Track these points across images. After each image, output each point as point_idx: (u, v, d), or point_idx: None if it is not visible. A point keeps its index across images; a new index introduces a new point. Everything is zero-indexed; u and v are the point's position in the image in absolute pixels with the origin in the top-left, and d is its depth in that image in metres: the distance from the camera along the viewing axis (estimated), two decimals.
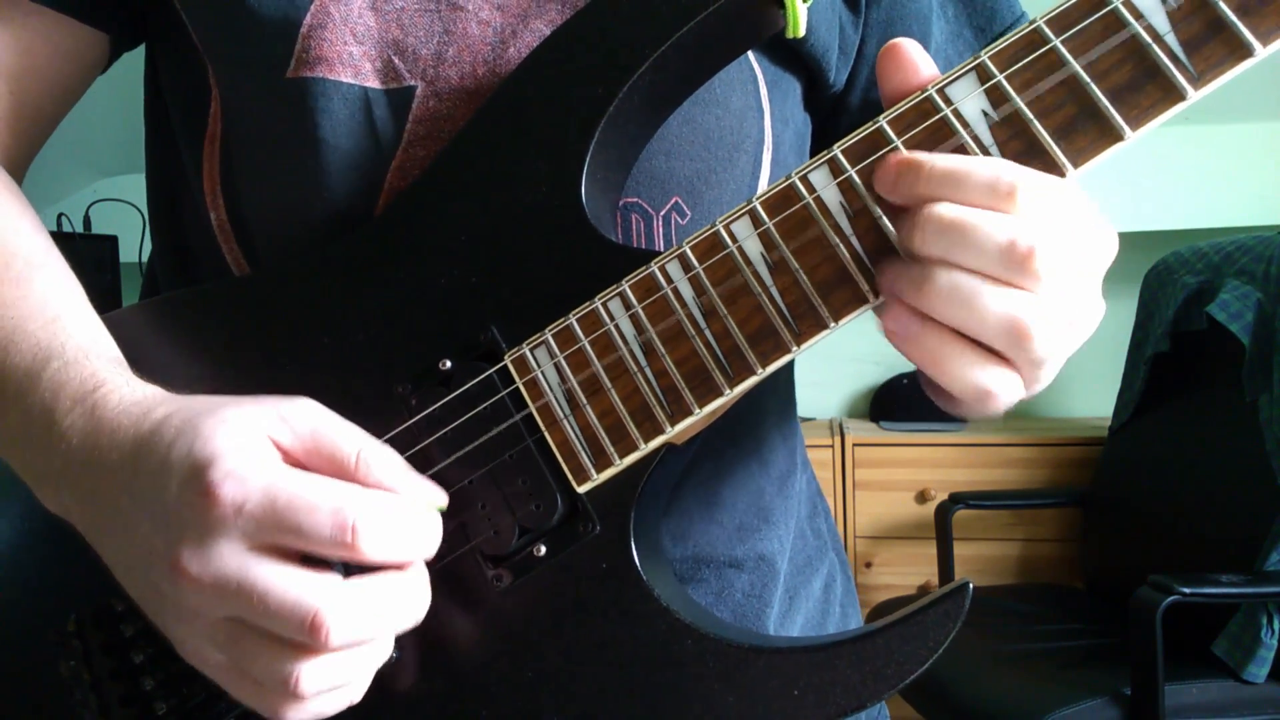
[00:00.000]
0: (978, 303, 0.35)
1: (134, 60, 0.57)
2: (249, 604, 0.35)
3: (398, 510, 0.37)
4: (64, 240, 2.28)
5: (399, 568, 0.38)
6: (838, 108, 0.57)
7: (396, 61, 0.47)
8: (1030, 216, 0.35)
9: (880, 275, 0.38)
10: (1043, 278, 0.35)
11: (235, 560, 0.35)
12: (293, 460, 0.38)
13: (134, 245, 2.34)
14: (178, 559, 0.35)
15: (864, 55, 0.56)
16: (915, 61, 0.39)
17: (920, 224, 0.36)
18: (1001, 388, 0.37)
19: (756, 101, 0.51)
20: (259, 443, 0.37)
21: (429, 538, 0.39)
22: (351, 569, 0.37)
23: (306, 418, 0.38)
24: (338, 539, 0.35)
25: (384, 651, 0.39)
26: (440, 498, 0.41)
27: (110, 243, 2.34)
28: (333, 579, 0.36)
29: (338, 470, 0.38)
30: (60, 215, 2.30)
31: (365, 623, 0.36)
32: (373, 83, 0.47)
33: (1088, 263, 0.37)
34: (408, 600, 0.38)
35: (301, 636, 0.35)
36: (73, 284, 0.47)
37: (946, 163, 0.36)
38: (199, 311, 0.49)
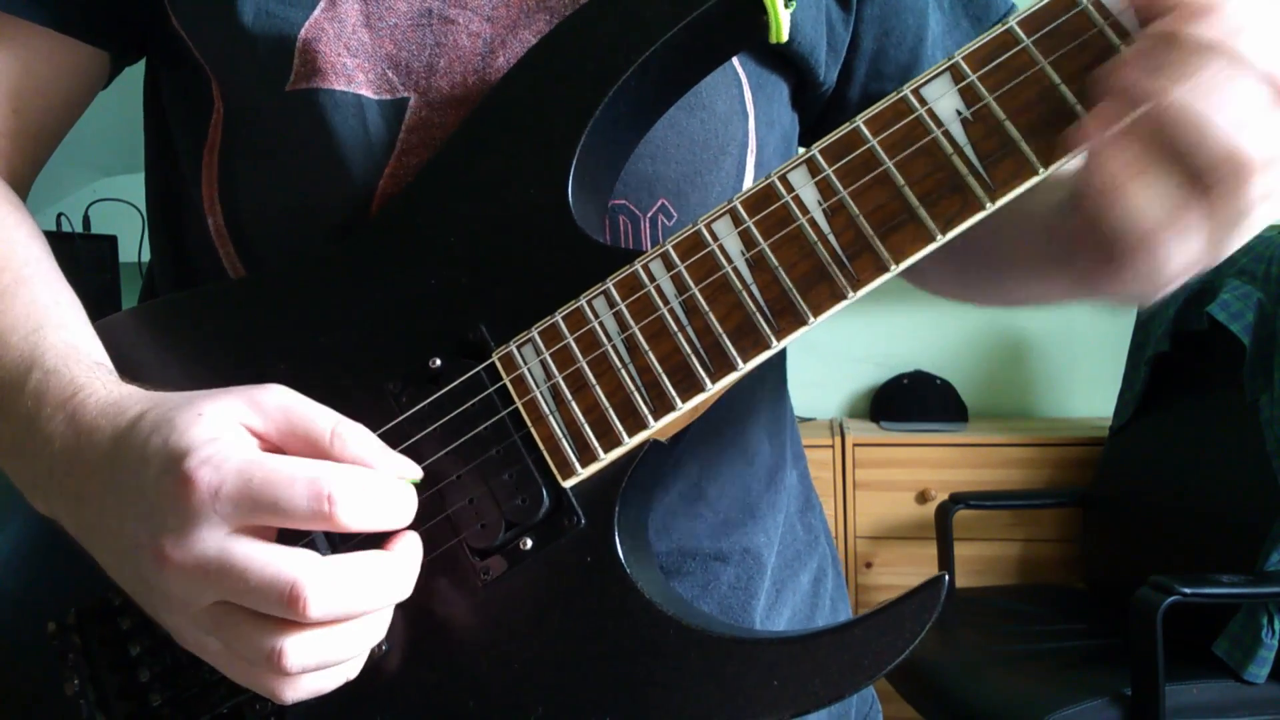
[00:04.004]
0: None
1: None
2: (231, 584, 0.35)
3: (373, 479, 0.38)
4: (63, 240, 2.27)
5: (380, 545, 0.39)
6: (837, 104, 0.58)
7: (391, 75, 0.48)
8: None
9: (1103, 78, 0.35)
10: None
11: (215, 543, 0.36)
12: (269, 445, 0.39)
13: (133, 245, 2.35)
14: (160, 548, 0.36)
15: (859, 50, 0.56)
16: None
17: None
18: (1181, 230, 0.33)
19: (741, 105, 0.52)
20: (233, 430, 0.38)
21: (404, 506, 0.40)
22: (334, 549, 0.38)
23: (278, 400, 0.39)
24: (315, 509, 0.36)
25: (375, 630, 0.39)
26: (414, 471, 0.41)
27: (110, 242, 2.35)
28: (310, 554, 0.37)
29: (313, 448, 0.39)
30: (60, 215, 2.31)
31: (345, 595, 0.36)
32: (366, 92, 0.48)
33: None
34: (389, 575, 0.38)
35: (282, 610, 0.35)
36: (60, 291, 0.48)
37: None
38: (195, 314, 0.49)
